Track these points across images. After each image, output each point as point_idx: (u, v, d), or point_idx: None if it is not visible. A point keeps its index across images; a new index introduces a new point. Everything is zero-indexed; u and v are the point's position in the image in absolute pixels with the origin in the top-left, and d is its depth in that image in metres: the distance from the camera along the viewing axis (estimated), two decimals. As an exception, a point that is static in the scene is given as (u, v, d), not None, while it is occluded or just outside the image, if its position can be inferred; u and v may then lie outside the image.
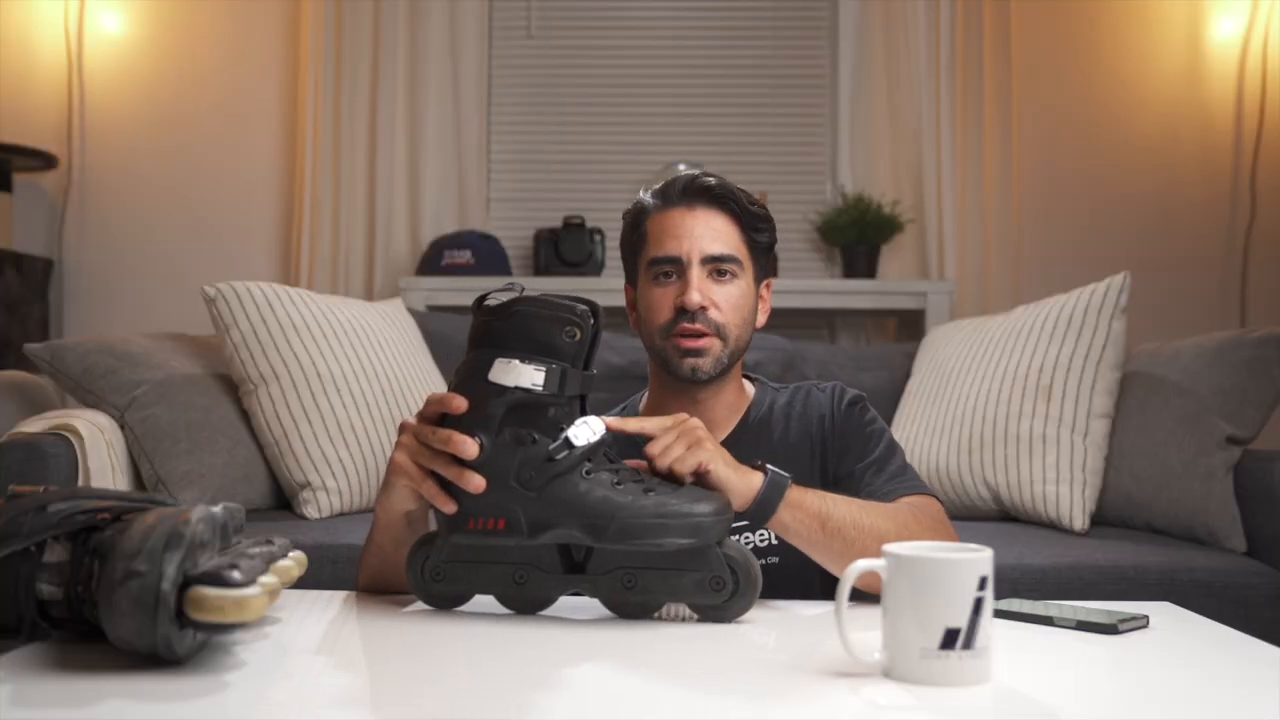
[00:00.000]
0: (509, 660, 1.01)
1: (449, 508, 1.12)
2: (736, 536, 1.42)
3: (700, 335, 1.42)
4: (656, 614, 1.18)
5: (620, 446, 1.50)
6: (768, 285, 1.54)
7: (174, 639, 0.87)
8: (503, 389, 1.10)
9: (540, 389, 1.09)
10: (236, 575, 0.88)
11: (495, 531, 1.11)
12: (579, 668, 1.00)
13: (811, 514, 1.24)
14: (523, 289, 1.14)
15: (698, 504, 1.12)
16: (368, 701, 0.90)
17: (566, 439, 1.11)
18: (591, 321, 1.12)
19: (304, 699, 0.90)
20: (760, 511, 1.22)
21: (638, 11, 3.44)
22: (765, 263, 1.51)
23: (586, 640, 1.09)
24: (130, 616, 0.86)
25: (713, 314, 1.42)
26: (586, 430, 1.12)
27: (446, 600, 1.19)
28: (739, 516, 1.22)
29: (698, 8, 3.44)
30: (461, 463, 1.11)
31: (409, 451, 1.14)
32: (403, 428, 1.17)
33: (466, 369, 1.13)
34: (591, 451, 1.12)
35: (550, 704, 0.89)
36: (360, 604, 1.24)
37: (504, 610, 1.18)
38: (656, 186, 1.49)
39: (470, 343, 1.15)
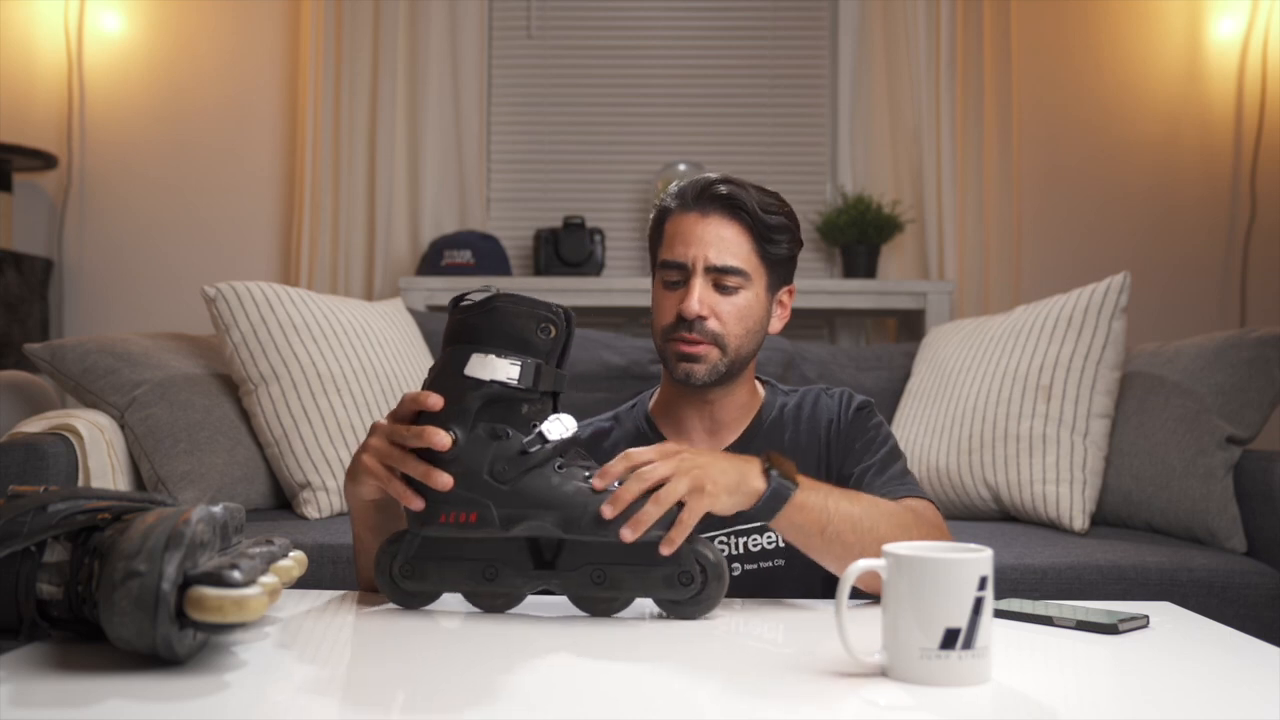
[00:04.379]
0: (509, 660, 1.01)
1: (416, 504, 1.13)
2: (745, 538, 1.43)
3: (697, 343, 1.42)
4: (620, 614, 1.18)
5: (621, 447, 1.51)
6: (789, 292, 1.53)
7: (174, 639, 0.87)
8: (479, 383, 1.12)
9: (516, 383, 1.11)
10: (236, 575, 0.88)
11: (467, 524, 1.12)
12: (578, 667, 1.00)
13: (812, 520, 1.22)
14: (498, 291, 1.16)
15: None
16: (368, 701, 0.90)
17: (540, 433, 1.13)
18: (565, 322, 1.14)
19: (304, 699, 0.90)
20: (757, 517, 1.22)
21: (638, 11, 3.44)
22: (783, 271, 1.50)
23: (586, 640, 1.09)
24: (130, 616, 0.86)
25: (711, 324, 1.42)
26: (559, 426, 1.14)
27: (415, 598, 1.19)
28: (744, 519, 1.22)
29: (698, 8, 3.44)
30: (433, 459, 1.12)
31: (378, 454, 1.15)
32: (374, 429, 1.17)
33: (442, 364, 1.15)
34: (564, 447, 1.14)
35: (549, 703, 0.89)
36: (360, 604, 1.24)
37: (507, 611, 1.18)
38: (682, 184, 1.48)
39: (446, 340, 1.16)
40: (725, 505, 1.18)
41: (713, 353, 1.43)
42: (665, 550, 1.13)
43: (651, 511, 1.12)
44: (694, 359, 1.43)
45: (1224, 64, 3.30)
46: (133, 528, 0.90)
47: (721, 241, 1.43)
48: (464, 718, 0.84)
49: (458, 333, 1.15)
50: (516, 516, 1.12)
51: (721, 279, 1.43)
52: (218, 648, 0.99)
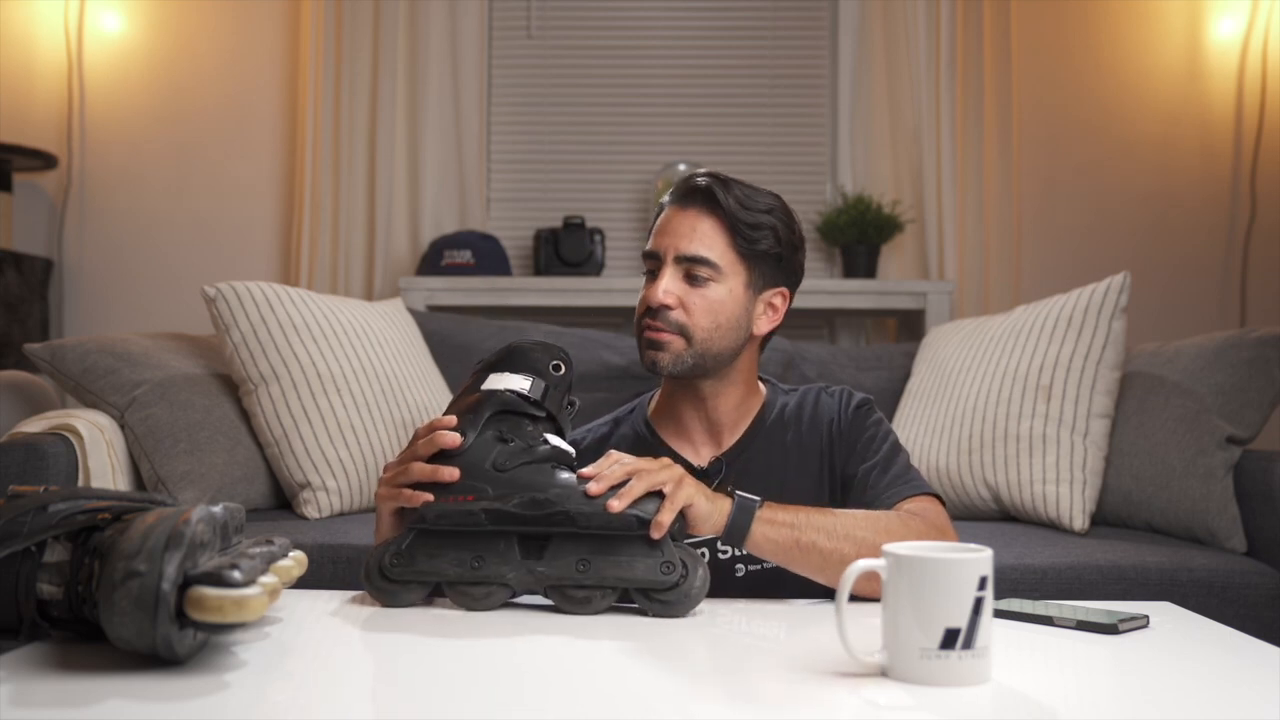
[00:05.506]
0: (507, 660, 1.01)
1: (423, 499, 1.19)
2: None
3: (661, 331, 1.43)
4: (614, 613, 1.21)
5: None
6: (781, 295, 1.52)
7: (174, 639, 0.87)
8: (492, 392, 1.24)
9: (526, 392, 1.24)
10: (236, 575, 0.88)
11: (465, 502, 1.19)
12: (578, 667, 1.00)
13: (784, 534, 1.27)
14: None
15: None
16: (368, 701, 0.90)
17: (544, 438, 1.22)
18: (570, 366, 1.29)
19: (304, 699, 0.90)
20: (730, 537, 1.26)
21: (638, 11, 3.44)
22: (769, 271, 1.49)
23: (583, 640, 1.09)
24: (130, 616, 0.86)
25: (675, 314, 1.43)
26: (560, 440, 1.24)
27: (401, 592, 1.21)
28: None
29: (698, 8, 3.44)
30: (441, 459, 1.20)
31: (387, 481, 1.24)
32: (386, 469, 1.26)
33: (461, 389, 1.28)
34: (562, 456, 1.22)
35: (547, 702, 0.89)
36: (360, 604, 1.24)
37: (505, 612, 1.19)
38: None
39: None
40: (703, 507, 1.23)
41: (677, 342, 1.43)
42: (655, 533, 1.18)
43: (637, 486, 1.18)
44: (658, 346, 1.43)
45: (1224, 64, 3.30)
46: (133, 528, 0.90)
47: (694, 233, 1.44)
48: (462, 716, 0.84)
49: (479, 371, 1.29)
50: (510, 496, 1.18)
51: (692, 269, 1.43)
52: (218, 648, 0.99)
